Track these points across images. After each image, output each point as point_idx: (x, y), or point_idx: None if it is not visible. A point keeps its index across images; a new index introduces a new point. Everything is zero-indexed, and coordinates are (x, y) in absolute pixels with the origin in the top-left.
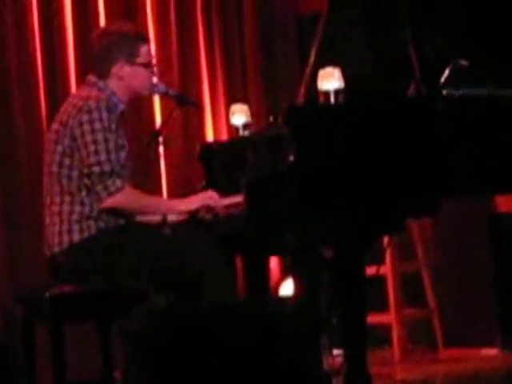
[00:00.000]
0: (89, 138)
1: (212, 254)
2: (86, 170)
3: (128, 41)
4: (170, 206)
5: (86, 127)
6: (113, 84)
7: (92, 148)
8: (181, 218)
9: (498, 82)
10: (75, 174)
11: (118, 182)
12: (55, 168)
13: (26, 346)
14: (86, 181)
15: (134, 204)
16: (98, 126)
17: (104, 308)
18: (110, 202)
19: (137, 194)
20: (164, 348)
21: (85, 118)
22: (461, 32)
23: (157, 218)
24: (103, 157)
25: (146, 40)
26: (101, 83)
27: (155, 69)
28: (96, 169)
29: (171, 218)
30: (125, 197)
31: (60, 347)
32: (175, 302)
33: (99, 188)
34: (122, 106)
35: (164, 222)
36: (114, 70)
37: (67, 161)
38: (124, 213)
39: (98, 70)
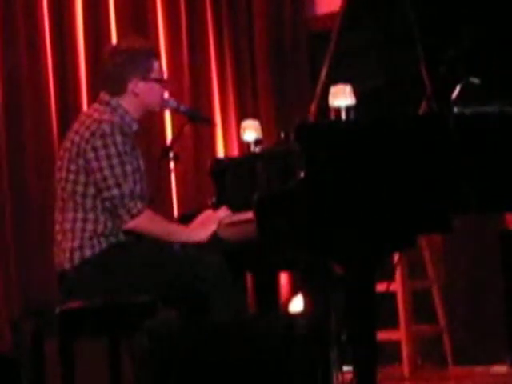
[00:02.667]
0: (104, 163)
1: (222, 270)
2: (105, 193)
3: (141, 57)
4: (188, 236)
5: (101, 152)
6: (126, 101)
7: (108, 172)
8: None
9: (510, 98)
10: (90, 192)
11: (139, 205)
12: (70, 185)
13: (35, 361)
14: (107, 204)
15: (155, 228)
16: (112, 150)
17: (114, 324)
18: (132, 224)
19: (158, 218)
20: (173, 364)
21: (98, 143)
22: (472, 49)
23: None
24: (121, 179)
25: (157, 55)
26: (113, 102)
27: (167, 84)
28: (116, 191)
29: None
30: (147, 220)
31: (69, 362)
32: (185, 317)
33: (121, 211)
34: (135, 126)
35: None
36: (130, 87)
37: (82, 179)
38: (143, 235)
39: (112, 87)
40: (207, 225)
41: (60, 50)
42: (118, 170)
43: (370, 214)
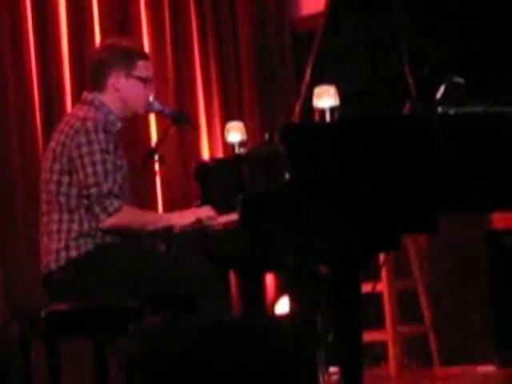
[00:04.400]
0: (87, 159)
1: (207, 272)
2: (84, 192)
3: (125, 53)
4: (165, 221)
5: (84, 149)
6: (108, 98)
7: (90, 170)
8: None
9: (494, 98)
10: (74, 191)
11: (116, 203)
12: (53, 186)
13: (22, 365)
14: (85, 202)
15: (132, 223)
16: (95, 147)
17: (100, 326)
18: (108, 222)
19: (134, 212)
20: (159, 367)
21: (83, 139)
22: (456, 48)
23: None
24: (101, 178)
25: (144, 56)
26: (97, 101)
27: (152, 86)
28: (94, 190)
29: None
30: (123, 217)
31: (55, 365)
32: (170, 320)
33: (98, 209)
34: (118, 125)
35: (170, 229)
36: (110, 81)
37: (66, 179)
38: (123, 231)
39: (93, 82)
40: (186, 214)
41: (43, 52)
42: (99, 168)
43: (355, 214)
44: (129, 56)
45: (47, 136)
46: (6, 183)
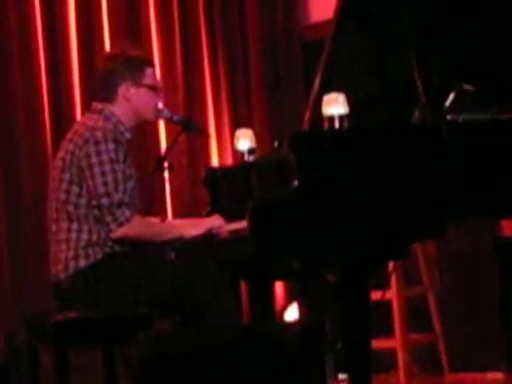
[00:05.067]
0: (97, 169)
1: (216, 279)
2: (94, 202)
3: (133, 62)
4: (176, 232)
5: (94, 159)
6: (118, 108)
7: (100, 180)
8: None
9: (503, 106)
10: (83, 201)
11: (127, 213)
12: (62, 195)
13: (30, 372)
14: (96, 212)
15: (143, 233)
16: (105, 157)
17: (108, 334)
18: (119, 232)
19: (145, 223)
20: (169, 374)
21: (92, 149)
22: (465, 55)
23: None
24: (111, 188)
25: (151, 63)
26: (107, 111)
27: (161, 93)
28: (105, 200)
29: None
30: (134, 227)
31: (64, 373)
32: (180, 327)
33: (109, 219)
34: (128, 135)
35: (180, 238)
36: (120, 92)
37: (75, 189)
38: (134, 242)
39: (103, 93)
40: (198, 225)
41: (53, 60)
42: (109, 178)
43: (364, 222)
44: (137, 65)
45: (56, 144)
46: (15, 191)
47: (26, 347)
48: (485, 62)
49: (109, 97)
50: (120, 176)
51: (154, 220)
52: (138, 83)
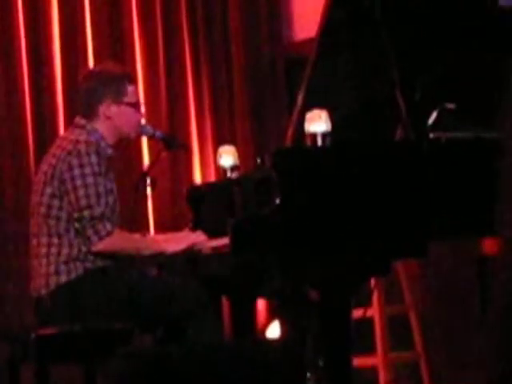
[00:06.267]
0: (79, 182)
1: (198, 296)
2: (76, 214)
3: (114, 80)
4: (158, 247)
5: (76, 172)
6: (101, 126)
7: (82, 192)
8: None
9: (485, 124)
10: (64, 215)
11: (108, 226)
12: (43, 209)
13: None
14: (77, 225)
15: (124, 248)
16: (88, 170)
17: (89, 350)
18: (100, 246)
19: (126, 237)
20: None
21: (75, 162)
22: (448, 74)
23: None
24: (94, 201)
25: (132, 80)
26: (89, 126)
27: (143, 109)
28: (86, 213)
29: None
30: (115, 240)
31: None
32: (160, 343)
33: (90, 232)
34: (109, 151)
35: (161, 253)
36: (101, 110)
37: (56, 202)
38: (114, 255)
39: (85, 110)
40: (180, 240)
41: (36, 74)
42: (91, 191)
43: (345, 239)
44: (118, 83)
45: (39, 159)
46: None
47: (7, 362)
48: (467, 81)
49: (90, 114)
50: (102, 189)
51: (136, 236)
52: (119, 101)
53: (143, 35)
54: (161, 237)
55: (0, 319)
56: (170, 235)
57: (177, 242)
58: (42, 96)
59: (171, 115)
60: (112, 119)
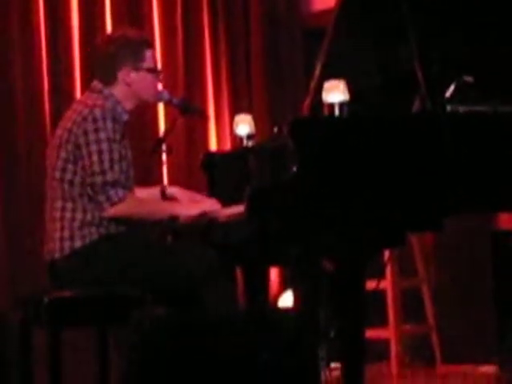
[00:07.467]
0: (93, 147)
1: (212, 264)
2: (88, 179)
3: (133, 46)
4: (171, 211)
5: (91, 136)
6: (118, 91)
7: (96, 157)
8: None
9: (504, 97)
10: (78, 180)
11: (121, 193)
12: (58, 173)
13: (23, 352)
14: (89, 190)
15: (136, 212)
16: (103, 135)
17: (102, 314)
18: (112, 211)
19: (139, 201)
20: (161, 357)
21: (90, 127)
22: (466, 47)
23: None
24: (107, 166)
25: (150, 45)
26: (106, 91)
27: (161, 75)
28: (99, 178)
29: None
30: (126, 206)
31: (57, 353)
32: (174, 311)
33: (102, 198)
34: (125, 116)
35: (174, 219)
36: (120, 76)
37: (70, 167)
38: (127, 221)
39: (103, 76)
40: (192, 205)
41: (54, 40)
42: (105, 156)
43: (362, 210)
44: (137, 48)
45: (55, 123)
46: (11, 168)
47: (20, 326)
48: (486, 54)
49: (108, 79)
50: (116, 155)
51: (154, 191)
52: (137, 67)
53: (161, 3)
54: (176, 189)
55: (12, 283)
56: (185, 196)
57: (190, 207)
58: (59, 61)
59: (188, 83)
60: (130, 85)
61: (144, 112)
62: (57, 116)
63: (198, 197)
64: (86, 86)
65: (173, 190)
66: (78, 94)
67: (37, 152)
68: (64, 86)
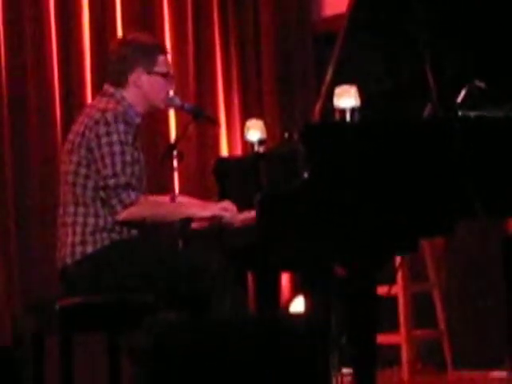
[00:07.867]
0: (106, 150)
1: (224, 269)
2: (101, 183)
3: (146, 50)
4: (185, 212)
5: (104, 140)
6: (130, 94)
7: (108, 160)
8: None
9: None
10: (90, 184)
11: (133, 195)
12: (70, 178)
13: (36, 357)
14: (101, 193)
15: (150, 215)
16: (115, 138)
17: (113, 320)
18: (124, 214)
19: (152, 203)
20: (172, 363)
21: (102, 130)
22: (478, 53)
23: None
24: (119, 169)
25: (163, 50)
26: (118, 94)
27: (172, 80)
28: (111, 181)
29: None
30: (139, 209)
31: (69, 358)
32: (185, 317)
33: (114, 201)
34: (138, 120)
35: (188, 220)
36: (132, 78)
37: (83, 171)
38: (139, 225)
39: (115, 79)
40: (206, 206)
41: (65, 45)
42: (117, 159)
43: (373, 216)
44: (149, 52)
45: (67, 128)
46: (23, 175)
47: (32, 332)
48: (497, 60)
49: (120, 82)
50: (129, 158)
51: (163, 198)
52: (149, 70)
53: (172, 8)
54: (187, 201)
55: (26, 290)
56: (198, 202)
57: (205, 207)
58: (70, 64)
59: (199, 89)
60: (142, 88)
61: (155, 118)
62: (68, 120)
63: (211, 203)
64: (96, 91)
65: (182, 199)
66: (89, 98)
67: (49, 159)
68: (75, 90)
